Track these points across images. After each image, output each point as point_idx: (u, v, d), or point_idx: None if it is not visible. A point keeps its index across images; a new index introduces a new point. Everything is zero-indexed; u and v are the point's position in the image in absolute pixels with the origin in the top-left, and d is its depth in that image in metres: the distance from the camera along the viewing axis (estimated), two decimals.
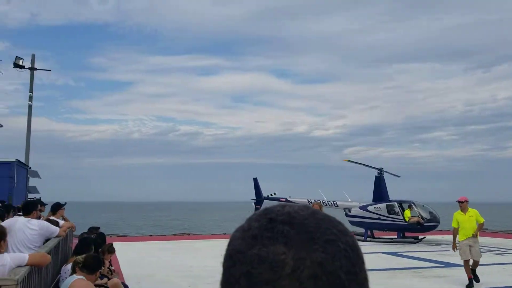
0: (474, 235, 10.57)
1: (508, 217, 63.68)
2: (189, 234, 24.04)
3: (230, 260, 0.67)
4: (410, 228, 19.85)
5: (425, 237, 20.17)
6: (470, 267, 10.46)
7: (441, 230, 22.89)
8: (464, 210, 10.75)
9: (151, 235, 24.43)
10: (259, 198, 24.84)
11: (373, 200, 21.55)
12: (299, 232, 0.63)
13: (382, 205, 20.57)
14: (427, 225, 19.67)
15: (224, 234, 22.12)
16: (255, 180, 25.96)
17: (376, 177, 22.07)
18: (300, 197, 24.36)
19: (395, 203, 20.57)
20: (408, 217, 19.81)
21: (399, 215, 20.09)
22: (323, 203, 23.15)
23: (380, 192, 21.54)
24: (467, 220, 10.65)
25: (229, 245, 0.70)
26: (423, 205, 20.53)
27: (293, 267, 0.61)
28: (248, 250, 0.64)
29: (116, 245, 8.68)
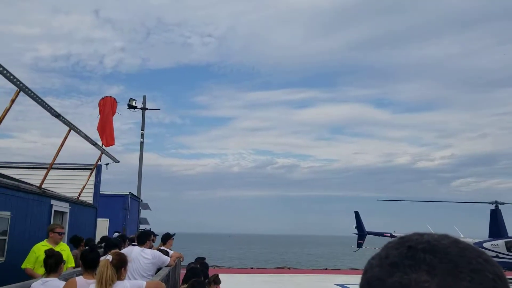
0: None
1: None
2: (289, 268, 23.84)
3: None
4: None
5: None
6: None
7: None
8: None
9: (252, 268, 24.63)
10: (361, 232, 24.02)
11: (489, 236, 19.75)
12: (442, 261, 0.61)
13: (500, 242, 18.74)
14: None
15: (326, 269, 21.54)
16: (357, 213, 25.19)
17: (492, 210, 20.28)
18: (406, 232, 23.06)
19: None
20: None
21: None
22: None
23: (497, 227, 19.69)
24: None
25: (365, 272, 0.67)
26: None
27: None
28: (388, 278, 0.62)
29: (220, 276, 8.87)
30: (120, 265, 4.15)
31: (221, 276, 9.68)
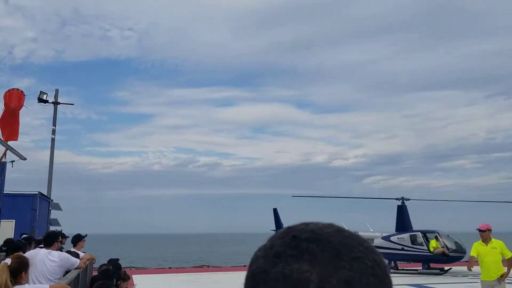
0: (501, 279, 8.59)
1: None
2: (208, 267, 23.79)
3: (253, 281, 0.64)
4: (435, 259, 19.28)
5: (450, 268, 19.53)
6: None
7: (467, 261, 22.13)
8: (486, 240, 8.80)
9: (170, 268, 24.26)
10: (279, 229, 24.60)
11: (396, 230, 21.12)
12: (324, 250, 0.61)
13: (406, 235, 20.12)
14: (452, 255, 19.08)
15: (245, 266, 21.77)
16: (275, 211, 25.75)
17: (398, 206, 21.71)
18: None
19: (419, 233, 20.10)
20: (433, 247, 19.28)
21: (423, 245, 19.58)
22: None
23: (403, 222, 21.12)
24: (489, 253, 8.68)
25: (251, 265, 0.67)
26: (448, 235, 19.99)
27: (318, 285, 0.59)
28: (271, 269, 0.61)
29: (136, 278, 8.61)
30: (20, 269, 3.88)
31: (137, 277, 9.41)
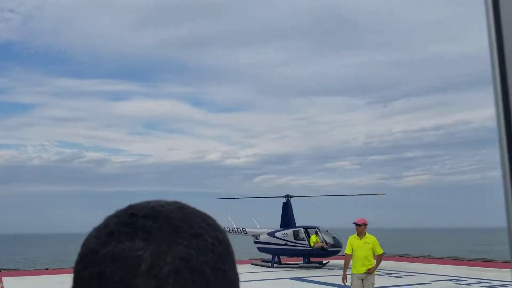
0: (369, 272, 8.96)
1: (404, 242, 68.36)
2: None
3: (82, 262, 0.59)
4: (315, 253, 20.49)
5: (328, 261, 20.92)
6: None
7: (344, 255, 23.94)
8: (361, 234, 9.07)
9: (47, 269, 22.64)
10: None
11: (281, 226, 22.02)
12: (162, 226, 0.58)
13: (289, 231, 21.08)
14: (330, 250, 20.44)
15: None
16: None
17: (283, 203, 22.67)
18: None
19: (301, 228, 21.19)
20: (313, 242, 20.48)
21: (305, 240, 20.70)
22: (232, 230, 23.19)
23: (287, 218, 22.11)
24: (362, 247, 8.95)
25: (82, 246, 0.61)
26: (327, 231, 21.35)
27: (150, 264, 0.55)
28: (101, 249, 0.57)
29: (7, 280, 7.92)
30: None
31: (9, 279, 8.67)
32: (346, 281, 9.28)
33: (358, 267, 8.96)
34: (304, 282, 15.42)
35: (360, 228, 9.11)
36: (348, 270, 9.28)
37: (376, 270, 9.35)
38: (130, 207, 0.63)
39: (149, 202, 0.63)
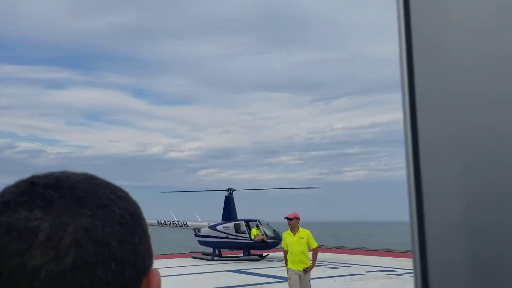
0: (306, 270, 8.88)
1: (340, 235, 70.81)
2: None
3: None
4: (255, 246, 20.75)
5: (268, 254, 21.26)
6: None
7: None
8: (294, 228, 8.94)
9: None
10: None
11: (222, 219, 22.10)
12: (65, 196, 0.53)
13: (230, 224, 21.20)
14: (271, 242, 20.78)
15: None
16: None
17: (226, 197, 22.74)
18: (149, 218, 23.82)
19: (243, 222, 21.38)
20: (254, 235, 20.73)
21: (246, 233, 20.90)
22: (173, 223, 22.98)
23: (229, 211, 22.22)
24: (297, 243, 8.81)
25: None
26: (267, 224, 21.67)
27: (48, 234, 0.51)
28: None
29: None
30: None
31: None
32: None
33: (296, 264, 8.79)
34: (244, 274, 15.58)
35: (292, 222, 8.94)
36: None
37: (310, 280, 9.19)
38: (32, 176, 0.58)
39: (54, 172, 0.59)
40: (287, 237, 8.99)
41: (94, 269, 0.51)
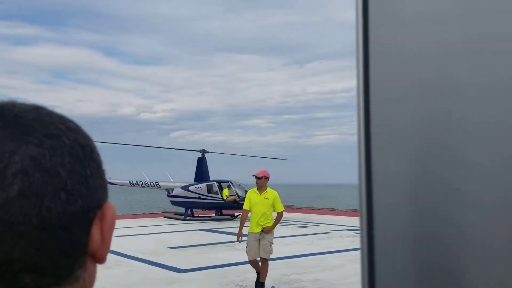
0: (264, 231, 7.77)
1: (310, 196, 72.37)
2: None
3: None
4: (227, 206, 21.13)
5: (240, 214, 21.68)
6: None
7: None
8: (261, 188, 7.97)
9: None
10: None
11: (195, 180, 22.28)
12: (10, 125, 0.52)
13: (203, 185, 21.43)
14: (242, 203, 21.13)
15: None
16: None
17: (198, 158, 22.86)
18: (121, 179, 23.79)
19: (215, 182, 21.63)
20: (226, 195, 21.07)
21: (218, 194, 21.21)
22: (145, 184, 23.05)
23: (201, 173, 22.39)
24: (261, 203, 7.81)
25: None
26: (240, 185, 21.99)
27: None
28: None
29: None
30: None
31: None
32: (241, 239, 8.23)
33: (254, 226, 7.81)
34: (215, 233, 15.95)
35: (261, 181, 7.97)
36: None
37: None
38: None
39: (2, 101, 0.56)
40: (252, 195, 7.96)
41: (42, 198, 0.49)
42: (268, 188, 8.07)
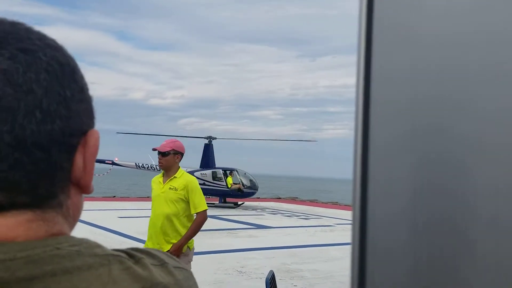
0: (174, 253, 4.02)
1: (314, 189, 72.37)
2: None
3: None
4: (231, 194, 21.17)
5: (243, 203, 21.74)
6: None
7: (258, 198, 25.11)
8: (167, 172, 4.44)
9: None
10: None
11: (201, 166, 22.33)
12: None
13: (208, 172, 21.47)
14: (246, 191, 21.21)
15: None
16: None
17: (205, 144, 22.89)
18: (128, 161, 23.91)
19: (220, 170, 21.66)
20: (231, 183, 21.10)
21: (223, 181, 21.25)
22: (151, 166, 23.13)
23: (207, 159, 22.43)
24: (162, 197, 4.33)
25: None
26: (245, 173, 22.03)
27: None
28: None
29: None
30: None
31: None
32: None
33: (152, 235, 4.35)
34: (217, 219, 15.99)
35: (166, 159, 4.43)
36: None
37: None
38: None
39: None
40: (153, 185, 4.58)
41: (14, 115, 0.46)
42: (181, 170, 4.51)
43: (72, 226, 0.54)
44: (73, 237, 0.50)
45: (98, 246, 0.51)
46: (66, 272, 0.46)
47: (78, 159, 0.52)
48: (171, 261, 0.57)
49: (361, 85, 0.84)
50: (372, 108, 0.83)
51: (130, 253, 0.53)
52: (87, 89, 0.56)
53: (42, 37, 0.52)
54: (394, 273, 0.82)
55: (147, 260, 0.53)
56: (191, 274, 0.59)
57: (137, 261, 0.52)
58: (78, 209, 0.56)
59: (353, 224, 0.85)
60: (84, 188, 0.54)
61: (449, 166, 0.74)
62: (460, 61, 0.73)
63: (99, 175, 25.02)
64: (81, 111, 0.53)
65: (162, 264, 0.55)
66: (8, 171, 0.46)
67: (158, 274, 0.52)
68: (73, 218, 0.54)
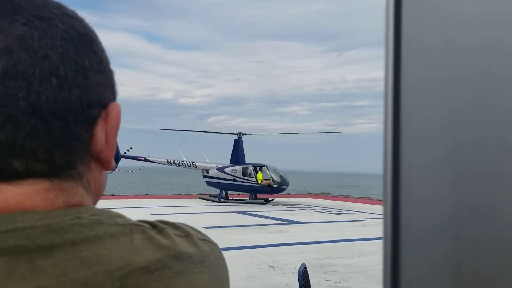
0: None
1: (346, 185, 71.68)
2: None
3: None
4: (261, 189, 21.15)
5: (274, 199, 21.68)
6: None
7: (289, 194, 24.96)
8: None
9: None
10: (116, 156, 24.04)
11: (231, 162, 22.41)
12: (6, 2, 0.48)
13: (238, 168, 21.52)
14: (276, 187, 21.14)
15: None
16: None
17: (235, 140, 22.95)
18: (160, 157, 24.21)
19: (250, 166, 21.68)
20: (261, 179, 21.07)
21: (253, 177, 21.25)
22: (182, 163, 23.38)
23: (237, 155, 22.48)
24: None
25: None
26: (275, 169, 21.96)
27: None
28: None
29: None
30: None
31: None
32: None
33: None
34: (248, 216, 16.00)
35: None
36: None
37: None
38: None
39: None
40: None
41: (29, 81, 0.45)
42: None
43: (94, 200, 0.53)
44: (93, 207, 0.49)
45: (120, 216, 0.50)
46: (87, 241, 0.45)
47: (99, 132, 0.51)
48: (196, 233, 0.55)
49: (390, 75, 0.77)
50: (403, 89, 0.76)
51: (153, 224, 0.52)
52: (107, 63, 0.54)
53: (60, 6, 0.51)
54: (430, 266, 0.75)
55: (171, 231, 0.52)
56: (217, 247, 0.57)
57: (160, 231, 0.51)
58: (100, 185, 0.54)
59: (385, 216, 0.78)
60: (105, 163, 0.53)
61: (489, 148, 0.67)
62: (499, 39, 0.68)
63: (132, 172, 25.40)
64: (100, 83, 0.51)
65: (187, 235, 0.53)
66: (24, 138, 0.45)
67: (182, 245, 0.51)
68: (95, 192, 0.53)
